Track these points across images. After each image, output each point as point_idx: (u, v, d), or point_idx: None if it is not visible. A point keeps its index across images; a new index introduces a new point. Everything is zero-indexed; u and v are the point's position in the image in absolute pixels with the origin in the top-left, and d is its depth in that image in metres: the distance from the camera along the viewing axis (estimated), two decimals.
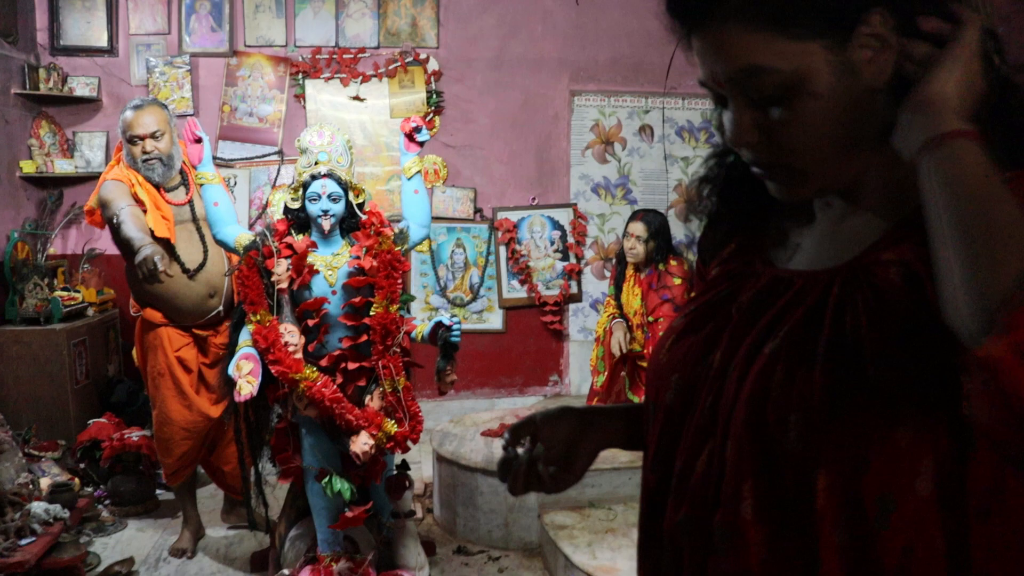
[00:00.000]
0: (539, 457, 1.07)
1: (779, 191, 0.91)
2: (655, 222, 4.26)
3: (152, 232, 3.40)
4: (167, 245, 3.50)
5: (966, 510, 0.76)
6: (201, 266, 3.66)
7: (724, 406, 0.87)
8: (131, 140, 3.57)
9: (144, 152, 3.56)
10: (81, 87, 5.14)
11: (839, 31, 0.80)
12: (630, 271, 4.36)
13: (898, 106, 0.81)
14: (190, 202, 3.70)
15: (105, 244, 4.45)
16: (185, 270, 3.57)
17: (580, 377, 5.59)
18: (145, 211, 3.50)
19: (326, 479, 2.87)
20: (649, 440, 1.00)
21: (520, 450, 1.09)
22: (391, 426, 2.86)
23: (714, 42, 0.84)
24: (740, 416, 0.84)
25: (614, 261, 4.72)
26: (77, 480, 3.96)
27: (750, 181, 0.96)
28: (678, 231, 5.46)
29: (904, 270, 0.81)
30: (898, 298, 0.80)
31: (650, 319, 4.19)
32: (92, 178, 4.36)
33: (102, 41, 5.20)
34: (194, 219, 3.69)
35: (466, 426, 4.40)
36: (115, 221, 3.39)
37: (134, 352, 3.90)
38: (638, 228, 4.25)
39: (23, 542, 3.20)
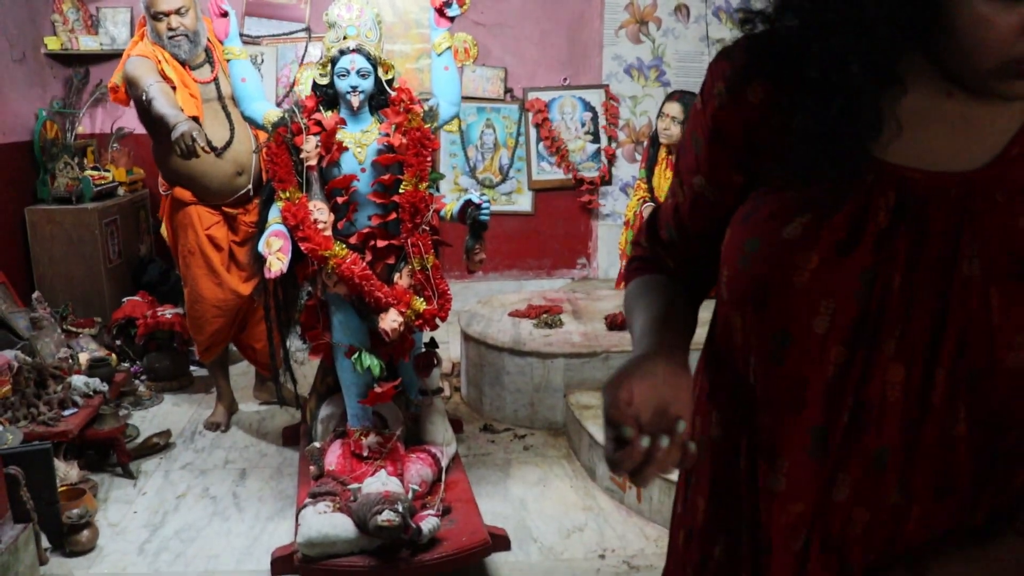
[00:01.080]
0: (682, 434, 0.86)
1: None
2: (692, 103, 4.16)
3: (181, 110, 3.37)
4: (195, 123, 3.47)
5: None
6: (228, 144, 3.62)
7: (922, 333, 0.84)
8: (155, 16, 3.49)
9: (170, 28, 3.49)
10: None
11: None
12: (663, 154, 4.29)
13: None
14: (215, 80, 3.65)
15: (133, 123, 4.42)
16: (212, 148, 3.54)
17: (608, 261, 5.57)
18: (174, 88, 3.46)
19: (355, 355, 2.91)
20: (791, 368, 0.91)
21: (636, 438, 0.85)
22: (420, 304, 2.87)
23: None
24: (952, 341, 0.83)
25: (646, 144, 4.64)
26: (114, 356, 4.06)
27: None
28: None
29: None
30: None
31: None
32: (118, 55, 4.29)
33: None
34: (220, 97, 3.64)
35: (494, 307, 4.43)
36: (145, 98, 3.35)
37: (163, 231, 3.93)
38: (674, 109, 4.16)
39: (66, 413, 3.30)
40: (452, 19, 3.02)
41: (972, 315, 0.82)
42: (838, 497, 0.90)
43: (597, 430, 3.41)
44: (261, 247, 2.79)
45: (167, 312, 4.37)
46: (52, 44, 4.90)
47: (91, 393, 3.47)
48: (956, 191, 0.85)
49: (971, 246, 0.83)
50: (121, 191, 4.95)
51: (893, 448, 0.87)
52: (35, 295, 4.02)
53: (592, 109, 5.46)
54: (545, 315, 4.18)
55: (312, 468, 3.01)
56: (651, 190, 4.33)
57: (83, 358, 3.82)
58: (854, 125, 0.85)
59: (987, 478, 0.86)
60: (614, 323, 4.01)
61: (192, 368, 4.55)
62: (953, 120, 0.86)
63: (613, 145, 5.52)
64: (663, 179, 4.27)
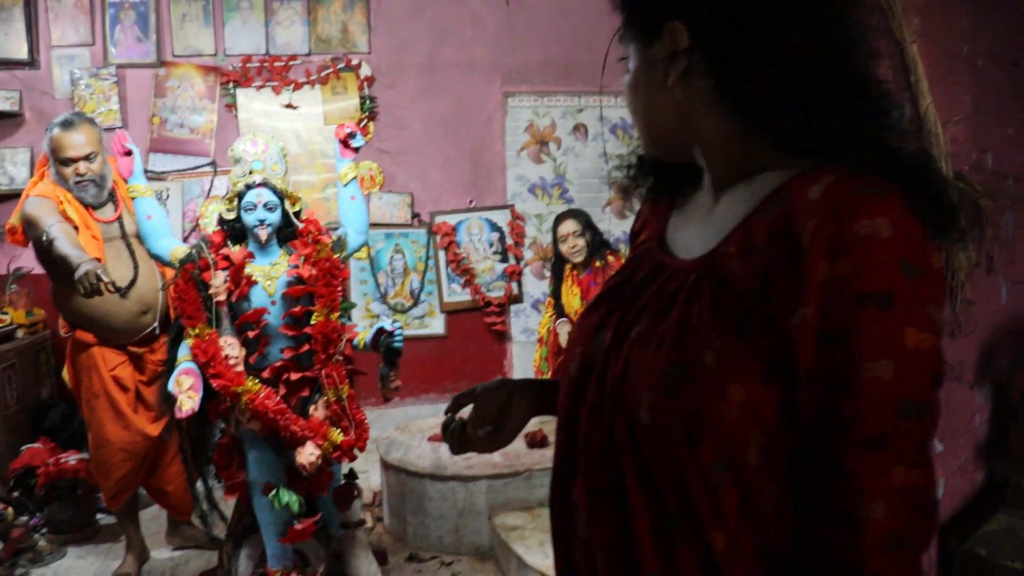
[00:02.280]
0: (471, 421, 1.25)
1: None
2: (582, 216, 4.32)
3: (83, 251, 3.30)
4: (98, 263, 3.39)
5: (790, 476, 0.86)
6: (132, 283, 3.56)
7: (608, 384, 0.96)
8: (63, 162, 3.45)
9: (77, 174, 3.45)
10: (1, 101, 4.98)
11: (645, 34, 0.98)
12: (567, 271, 4.37)
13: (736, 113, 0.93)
14: (119, 218, 3.60)
15: (32, 262, 4.31)
16: (117, 289, 3.46)
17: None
18: (76, 228, 3.40)
19: (273, 492, 2.83)
20: (558, 407, 1.09)
21: (459, 416, 1.28)
22: (337, 435, 2.83)
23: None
24: (612, 394, 0.95)
25: (551, 266, 4.73)
26: (10, 510, 3.84)
27: (662, 169, 1.11)
28: (616, 229, 5.53)
29: (745, 261, 0.88)
30: (737, 287, 0.88)
31: None
32: (16, 195, 4.21)
33: (22, 53, 5.04)
34: (124, 235, 3.59)
35: (412, 433, 4.37)
36: (45, 239, 3.27)
37: (64, 374, 3.78)
38: (570, 225, 4.27)
39: None
40: (357, 150, 3.08)
41: (624, 373, 0.94)
42: (576, 531, 1.02)
43: (525, 551, 3.36)
44: (171, 386, 2.73)
45: (71, 459, 4.16)
46: None
47: None
48: (669, 273, 0.99)
49: (645, 314, 0.97)
50: (20, 333, 4.77)
51: (595, 489, 0.97)
52: None
53: (499, 229, 5.57)
54: None
55: None
56: (560, 307, 4.39)
57: None
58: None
59: (669, 541, 0.89)
60: (534, 441, 4.00)
61: (99, 516, 4.33)
62: (702, 217, 1.02)
63: (521, 264, 5.62)
64: (571, 295, 4.34)
